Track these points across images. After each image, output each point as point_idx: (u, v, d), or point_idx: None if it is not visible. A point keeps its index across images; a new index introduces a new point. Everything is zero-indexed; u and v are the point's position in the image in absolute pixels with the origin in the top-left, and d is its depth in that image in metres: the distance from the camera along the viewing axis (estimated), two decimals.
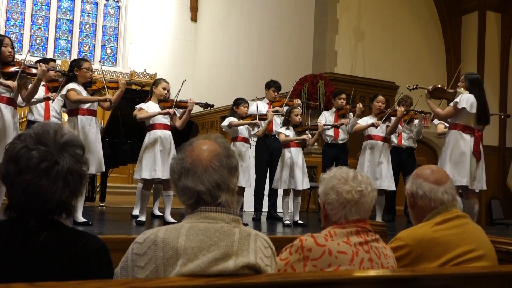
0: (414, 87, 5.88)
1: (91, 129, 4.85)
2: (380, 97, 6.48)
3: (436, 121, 6.34)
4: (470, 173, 5.09)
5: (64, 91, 4.82)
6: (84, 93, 4.89)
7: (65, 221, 1.55)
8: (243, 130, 5.82)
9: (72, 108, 4.86)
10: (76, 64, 4.96)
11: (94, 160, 4.79)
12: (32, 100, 5.49)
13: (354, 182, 1.99)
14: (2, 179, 1.50)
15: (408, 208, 2.44)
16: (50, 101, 5.79)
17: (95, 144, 4.86)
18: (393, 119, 6.31)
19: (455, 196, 2.34)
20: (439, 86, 5.61)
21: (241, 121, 5.74)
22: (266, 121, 5.91)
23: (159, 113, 5.24)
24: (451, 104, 5.31)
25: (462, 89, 5.30)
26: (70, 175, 1.49)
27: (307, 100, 8.02)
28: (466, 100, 5.14)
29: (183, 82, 5.47)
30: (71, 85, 4.82)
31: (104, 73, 5.31)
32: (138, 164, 5.43)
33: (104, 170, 5.19)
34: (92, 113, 4.92)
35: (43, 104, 5.88)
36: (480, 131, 5.33)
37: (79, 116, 4.82)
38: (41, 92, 5.64)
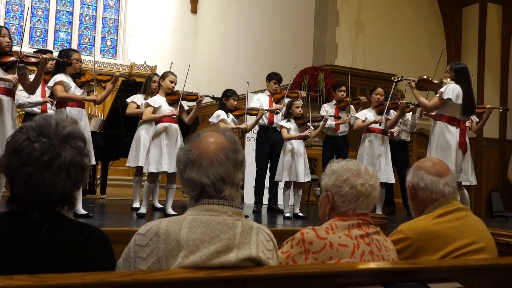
0: (400, 78, 5.88)
1: (80, 121, 4.78)
2: (379, 90, 6.47)
3: None
4: (456, 166, 5.05)
5: (51, 83, 4.76)
6: (73, 85, 4.81)
7: (67, 213, 1.56)
8: (231, 124, 5.83)
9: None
10: (65, 55, 4.87)
11: None
12: (29, 104, 5.58)
13: (367, 175, 2.00)
14: (4, 172, 1.50)
15: (408, 201, 2.44)
16: (49, 105, 5.82)
17: None
18: (391, 111, 6.30)
19: (456, 188, 2.35)
20: (425, 77, 5.57)
21: (230, 126, 5.72)
22: (254, 116, 5.94)
23: (163, 116, 5.22)
24: (437, 95, 5.28)
25: (448, 79, 5.26)
26: (72, 167, 1.49)
27: (308, 92, 8.01)
28: (452, 90, 5.10)
29: (188, 67, 5.46)
30: (59, 77, 4.72)
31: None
32: (141, 157, 5.46)
33: (94, 163, 5.20)
34: (81, 105, 4.85)
35: (39, 95, 5.86)
36: (465, 122, 5.29)
37: (67, 108, 4.75)
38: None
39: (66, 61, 4.77)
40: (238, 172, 1.68)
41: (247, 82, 6.27)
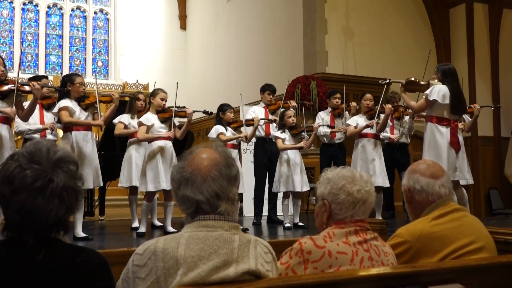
0: (387, 81, 5.92)
1: (86, 144, 4.83)
2: (368, 95, 6.51)
3: None
4: (448, 165, 5.07)
5: (56, 109, 4.84)
6: (77, 109, 4.88)
7: (63, 238, 1.55)
8: (232, 136, 5.83)
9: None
10: (68, 80, 4.96)
11: (91, 175, 4.79)
12: (29, 132, 5.64)
13: (362, 181, 2.00)
14: None
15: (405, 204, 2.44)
16: (48, 130, 5.83)
17: (91, 158, 4.84)
18: (382, 115, 6.34)
19: (451, 189, 2.35)
20: (412, 79, 5.61)
21: (229, 136, 5.73)
22: (252, 127, 5.95)
23: (159, 138, 5.21)
24: (423, 96, 5.32)
25: (436, 80, 5.31)
26: (65, 192, 1.49)
27: (301, 101, 8.02)
28: (437, 91, 5.14)
29: (177, 85, 5.48)
30: (64, 103, 4.80)
31: (97, 86, 5.32)
32: (134, 176, 5.43)
33: (102, 184, 5.19)
34: (87, 128, 4.92)
35: (37, 121, 5.87)
36: (456, 121, 5.32)
37: (73, 132, 4.82)
38: (36, 111, 5.64)
39: (61, 89, 4.83)
40: (232, 187, 1.67)
41: (240, 94, 6.31)
